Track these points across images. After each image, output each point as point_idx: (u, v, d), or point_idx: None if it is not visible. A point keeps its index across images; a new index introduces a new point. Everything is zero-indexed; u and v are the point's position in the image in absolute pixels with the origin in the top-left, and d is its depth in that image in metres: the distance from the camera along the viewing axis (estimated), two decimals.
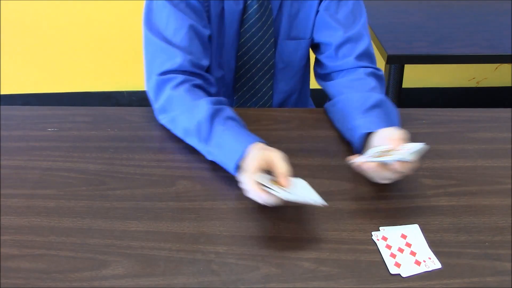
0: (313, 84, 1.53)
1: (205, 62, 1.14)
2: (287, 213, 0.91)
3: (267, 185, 0.85)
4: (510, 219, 0.90)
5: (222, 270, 0.80)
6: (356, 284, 0.79)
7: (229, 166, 0.96)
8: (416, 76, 2.68)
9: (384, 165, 0.91)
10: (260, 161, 0.88)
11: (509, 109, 1.21)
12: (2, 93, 2.67)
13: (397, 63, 1.86)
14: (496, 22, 1.91)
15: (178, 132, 1.07)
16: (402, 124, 1.15)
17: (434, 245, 0.85)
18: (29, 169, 1.01)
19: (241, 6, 1.18)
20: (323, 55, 1.24)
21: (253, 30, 1.20)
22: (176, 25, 1.11)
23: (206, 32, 1.15)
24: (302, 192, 0.85)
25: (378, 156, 0.91)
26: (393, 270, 0.81)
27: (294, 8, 1.22)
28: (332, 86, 1.19)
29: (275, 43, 1.25)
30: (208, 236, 0.86)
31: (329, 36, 1.21)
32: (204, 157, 1.01)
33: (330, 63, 1.22)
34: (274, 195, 0.84)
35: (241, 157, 0.93)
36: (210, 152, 0.99)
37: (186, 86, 1.07)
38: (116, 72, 2.62)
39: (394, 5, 2.05)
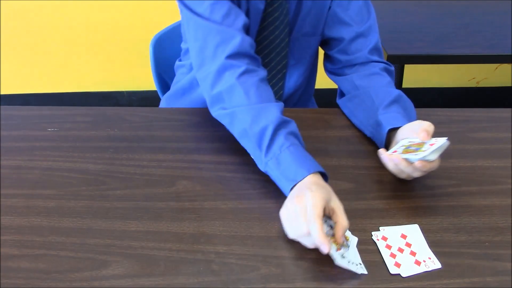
0: (316, 84, 1.53)
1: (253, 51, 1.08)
2: None
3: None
4: (510, 219, 0.91)
5: (222, 270, 0.80)
6: (356, 284, 0.79)
7: (284, 186, 0.90)
8: (416, 76, 2.68)
9: (408, 161, 0.91)
10: (323, 207, 0.82)
11: (509, 109, 1.21)
12: (2, 93, 2.67)
13: (397, 63, 1.86)
14: (496, 22, 1.91)
15: (234, 130, 0.99)
16: None
17: (434, 245, 0.85)
18: (29, 169, 1.01)
19: (263, 6, 1.17)
20: (335, 50, 1.24)
21: (271, 28, 1.19)
22: (223, 11, 1.05)
23: (247, 20, 1.10)
24: (350, 257, 0.82)
25: (405, 151, 0.91)
26: (393, 270, 0.81)
27: (307, 6, 1.22)
28: (347, 81, 1.20)
29: (288, 41, 1.25)
30: (208, 236, 0.86)
31: (341, 31, 1.22)
32: (203, 156, 1.01)
33: (342, 57, 1.23)
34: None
35: (299, 181, 0.87)
36: (267, 163, 0.93)
37: (253, 79, 1.00)
38: (116, 72, 2.62)
39: (394, 5, 2.05)
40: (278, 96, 1.30)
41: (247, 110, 0.96)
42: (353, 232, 0.87)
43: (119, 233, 0.87)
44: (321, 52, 1.33)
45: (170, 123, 1.15)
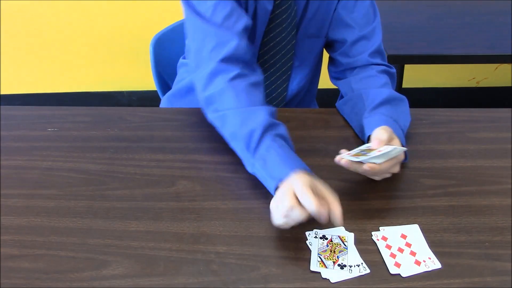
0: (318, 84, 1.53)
1: (249, 56, 1.09)
2: None
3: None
4: (510, 219, 0.90)
5: (222, 270, 0.80)
6: (356, 284, 0.79)
7: (269, 184, 0.91)
8: (416, 76, 2.68)
9: (360, 163, 0.91)
10: (310, 186, 0.84)
11: (509, 109, 1.21)
12: (2, 93, 2.67)
13: (397, 63, 1.86)
14: (496, 22, 1.91)
15: (225, 132, 1.01)
16: None
17: (434, 245, 0.85)
18: (29, 169, 1.01)
19: (271, 6, 1.17)
20: (337, 52, 1.25)
21: (278, 29, 1.19)
22: (225, 12, 1.05)
23: (250, 22, 1.10)
24: (350, 260, 0.82)
25: (356, 154, 0.91)
26: (393, 270, 0.81)
27: (313, 8, 1.22)
28: (344, 84, 1.21)
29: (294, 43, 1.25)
30: (208, 236, 0.86)
31: (344, 33, 1.22)
32: (203, 156, 1.01)
33: (344, 60, 1.23)
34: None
35: (284, 179, 0.88)
36: (254, 164, 0.94)
37: (244, 83, 1.01)
38: (116, 72, 2.62)
39: (394, 5, 2.05)
40: (282, 98, 1.30)
41: (236, 113, 0.98)
42: (353, 232, 0.87)
43: (119, 233, 0.87)
44: (325, 55, 1.33)
45: (170, 123, 1.15)
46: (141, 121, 1.15)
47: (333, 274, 0.80)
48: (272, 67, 1.24)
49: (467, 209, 0.92)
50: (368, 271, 0.80)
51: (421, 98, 2.76)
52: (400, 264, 0.82)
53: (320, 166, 1.02)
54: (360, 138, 1.10)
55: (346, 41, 1.21)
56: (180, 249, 0.84)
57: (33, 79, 2.66)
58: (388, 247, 0.85)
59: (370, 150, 0.91)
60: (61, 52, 2.57)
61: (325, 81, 1.35)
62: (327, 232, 0.87)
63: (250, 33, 1.18)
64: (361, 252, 0.84)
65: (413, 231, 0.88)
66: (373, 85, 1.14)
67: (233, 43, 1.03)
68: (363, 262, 0.82)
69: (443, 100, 2.77)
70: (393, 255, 0.83)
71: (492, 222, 0.90)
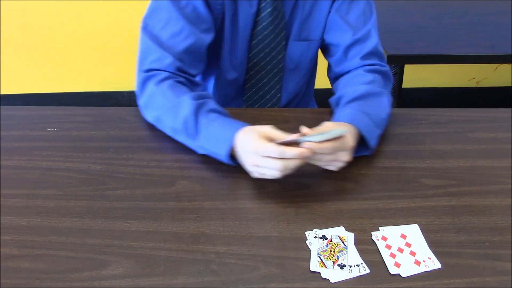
0: (316, 84, 1.53)
1: (194, 71, 1.15)
2: (287, 213, 0.91)
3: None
4: (510, 219, 0.90)
5: (222, 270, 0.80)
6: (356, 284, 0.79)
7: (221, 155, 0.97)
8: (416, 76, 2.69)
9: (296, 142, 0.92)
10: (261, 136, 0.91)
11: (509, 109, 1.21)
12: (2, 93, 2.67)
13: (397, 63, 1.87)
14: (496, 22, 1.91)
15: (166, 131, 1.08)
16: (402, 124, 1.15)
17: (434, 245, 0.85)
18: (29, 169, 1.01)
19: (255, 8, 1.17)
20: (333, 58, 1.25)
21: (266, 32, 1.20)
22: (173, 30, 1.10)
23: (207, 39, 1.15)
24: (350, 260, 0.83)
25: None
26: (392, 270, 0.81)
27: (306, 10, 1.21)
28: (336, 86, 1.21)
29: (286, 45, 1.25)
30: (208, 236, 0.86)
31: (338, 37, 1.21)
32: (203, 156, 1.01)
33: (338, 67, 1.24)
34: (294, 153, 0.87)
35: (231, 143, 0.94)
36: (200, 146, 1.01)
37: (169, 82, 1.07)
38: (116, 72, 2.62)
39: (394, 5, 2.05)
40: (277, 99, 1.31)
41: (167, 111, 1.05)
42: (353, 231, 0.87)
43: (119, 233, 0.87)
44: (323, 57, 1.33)
45: None
46: (141, 121, 1.15)
47: (333, 274, 0.80)
48: (263, 69, 1.25)
49: (467, 209, 0.93)
50: (368, 271, 0.80)
51: (421, 98, 2.77)
52: (400, 264, 0.82)
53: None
54: None
55: (340, 45, 1.21)
56: (180, 249, 0.84)
57: (33, 79, 2.66)
58: (388, 247, 0.85)
59: (311, 136, 0.91)
60: (61, 52, 2.57)
61: (324, 81, 1.35)
62: (327, 232, 0.87)
63: (230, 38, 1.20)
64: (361, 252, 0.84)
65: (413, 231, 0.88)
66: (357, 82, 1.14)
67: (167, 61, 1.09)
68: (363, 262, 0.82)
69: (443, 100, 2.77)
70: (393, 255, 0.83)
71: (492, 222, 0.90)
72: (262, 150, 0.90)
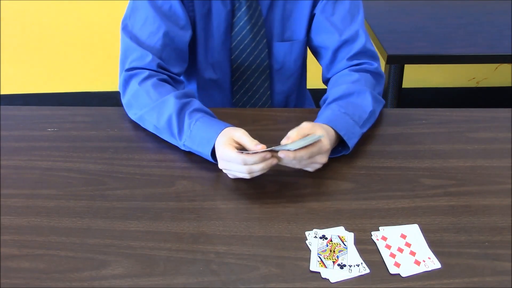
0: (313, 84, 1.54)
1: (175, 69, 1.16)
2: (287, 213, 0.91)
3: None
4: (510, 219, 0.90)
5: (222, 270, 0.80)
6: (355, 284, 0.79)
7: (204, 154, 0.99)
8: (416, 76, 2.69)
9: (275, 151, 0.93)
10: (231, 144, 0.92)
11: (509, 109, 1.21)
12: (2, 93, 2.67)
13: (397, 63, 1.86)
14: (496, 22, 1.91)
15: (149, 129, 1.09)
16: (402, 124, 1.15)
17: (434, 245, 0.85)
18: (29, 169, 1.01)
19: (229, 7, 1.18)
20: (323, 61, 1.25)
21: (244, 32, 1.20)
22: (151, 29, 1.12)
23: (185, 35, 1.16)
24: (349, 260, 0.83)
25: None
26: (392, 270, 0.81)
27: (287, 10, 1.21)
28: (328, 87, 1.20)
29: (269, 45, 1.25)
30: (208, 236, 0.86)
31: (326, 40, 1.21)
32: (203, 156, 1.01)
33: (329, 72, 1.24)
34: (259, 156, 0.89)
35: (214, 144, 0.96)
36: (184, 145, 1.02)
37: (153, 80, 1.08)
38: (116, 72, 2.61)
39: (394, 5, 2.05)
40: (266, 97, 1.31)
41: (150, 110, 1.05)
42: (353, 231, 0.87)
43: (119, 233, 0.87)
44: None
45: None
46: None
47: (332, 274, 0.80)
48: (248, 69, 1.25)
49: (467, 209, 0.93)
50: (367, 271, 0.80)
51: (421, 98, 2.77)
52: (400, 264, 0.82)
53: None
54: (364, 135, 1.09)
55: (328, 48, 1.21)
56: (179, 249, 0.84)
57: (33, 79, 2.66)
58: (388, 247, 0.85)
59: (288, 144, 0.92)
60: (61, 52, 2.57)
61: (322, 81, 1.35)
62: (327, 232, 0.87)
63: (204, 36, 1.21)
64: (361, 252, 0.84)
65: (413, 231, 0.88)
66: (341, 82, 1.14)
67: (148, 59, 1.11)
68: (362, 262, 0.82)
69: (443, 100, 2.77)
70: (392, 255, 0.83)
71: (492, 222, 0.90)
72: (226, 157, 0.93)
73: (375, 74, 1.17)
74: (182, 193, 0.95)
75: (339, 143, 1.03)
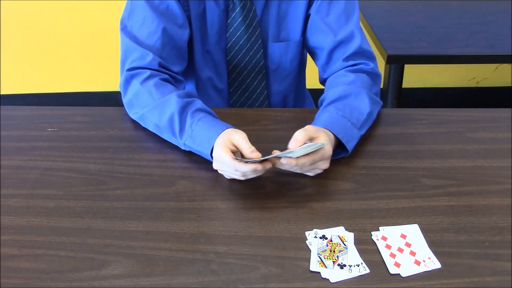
0: (313, 84, 1.53)
1: (176, 68, 1.16)
2: (286, 213, 0.91)
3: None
4: (510, 219, 0.90)
5: (222, 270, 0.80)
6: (356, 284, 0.79)
7: (204, 153, 0.99)
8: (416, 76, 2.69)
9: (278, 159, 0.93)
10: (228, 147, 0.93)
11: (509, 109, 1.21)
12: (2, 93, 2.67)
13: (397, 63, 1.86)
14: (496, 22, 1.91)
15: (150, 128, 1.09)
16: (402, 124, 1.15)
17: (434, 245, 0.85)
18: (29, 169, 1.01)
19: (222, 6, 1.18)
20: (319, 62, 1.25)
21: (239, 33, 1.20)
22: (150, 28, 1.12)
23: (184, 34, 1.16)
24: (349, 260, 0.83)
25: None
26: (392, 270, 0.81)
27: (282, 10, 1.21)
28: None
29: (264, 45, 1.25)
30: (208, 236, 0.86)
31: (321, 40, 1.21)
32: (203, 157, 1.01)
33: (325, 73, 1.24)
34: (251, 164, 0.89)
35: (214, 144, 0.96)
36: (184, 144, 1.02)
37: (154, 80, 1.09)
38: (116, 72, 2.61)
39: (394, 5, 2.06)
40: (263, 99, 1.31)
41: (152, 108, 1.05)
42: (353, 231, 0.87)
43: (119, 233, 0.87)
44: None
45: None
46: None
47: (332, 274, 0.80)
48: (244, 70, 1.25)
49: (467, 209, 0.93)
50: (367, 271, 0.80)
51: (421, 98, 2.77)
52: (400, 264, 0.82)
53: None
54: (364, 135, 1.09)
55: (323, 49, 1.21)
56: (180, 249, 0.84)
57: (33, 79, 2.66)
58: (388, 247, 0.85)
59: (291, 151, 0.92)
60: (61, 52, 2.57)
61: None
62: (327, 232, 0.87)
63: (200, 36, 1.21)
64: (361, 252, 0.84)
65: (413, 231, 0.88)
66: (338, 83, 1.14)
67: (149, 58, 1.11)
68: (363, 262, 0.82)
69: (443, 100, 2.77)
70: (392, 255, 0.83)
71: (492, 222, 0.90)
72: (220, 159, 0.93)
73: (372, 74, 1.17)
74: (182, 193, 0.95)
75: (338, 145, 1.03)
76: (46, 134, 1.11)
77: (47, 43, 2.54)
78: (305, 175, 0.98)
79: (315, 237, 0.86)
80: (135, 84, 1.09)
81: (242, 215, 0.91)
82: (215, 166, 0.96)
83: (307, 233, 0.87)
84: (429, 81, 2.76)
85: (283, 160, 0.91)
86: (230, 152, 0.92)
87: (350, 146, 1.02)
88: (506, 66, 2.69)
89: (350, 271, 0.80)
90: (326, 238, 0.85)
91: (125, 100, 1.13)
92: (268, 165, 0.92)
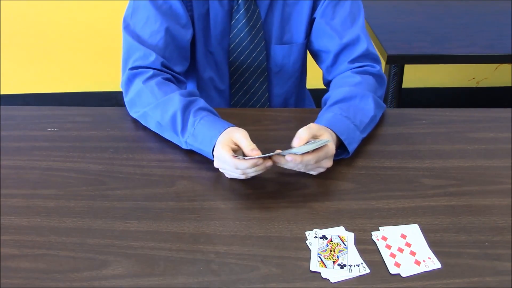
0: (313, 84, 1.54)
1: (178, 68, 1.16)
2: (286, 213, 0.91)
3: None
4: (510, 219, 0.90)
5: (222, 270, 0.80)
6: (356, 284, 0.79)
7: (206, 152, 0.99)
8: (416, 76, 2.69)
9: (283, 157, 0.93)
10: (229, 146, 0.92)
11: (509, 109, 1.21)
12: (2, 93, 2.67)
13: (397, 63, 1.86)
14: (496, 22, 1.91)
15: (151, 126, 1.09)
16: (402, 124, 1.15)
17: (434, 245, 0.85)
18: (29, 169, 1.01)
19: (226, 7, 1.18)
20: (324, 64, 1.25)
21: (242, 34, 1.20)
22: (153, 28, 1.12)
23: (187, 34, 1.16)
24: (350, 260, 0.83)
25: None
26: (392, 270, 0.81)
27: (286, 13, 1.21)
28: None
29: (267, 47, 1.25)
30: (208, 236, 0.86)
31: (327, 44, 1.21)
32: (203, 156, 1.01)
33: (330, 74, 1.24)
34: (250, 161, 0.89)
35: (216, 143, 0.96)
36: (186, 142, 1.02)
37: (157, 79, 1.09)
38: (116, 72, 2.60)
39: (394, 5, 2.05)
40: (265, 99, 1.31)
41: (155, 106, 1.05)
42: (353, 231, 0.87)
43: (119, 233, 0.87)
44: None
45: None
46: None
47: (333, 274, 0.80)
48: (246, 71, 1.25)
49: (467, 209, 0.93)
50: (368, 271, 0.80)
51: (421, 98, 2.77)
52: (400, 264, 0.82)
53: None
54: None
55: (330, 52, 1.20)
56: (180, 249, 0.84)
57: (33, 79, 2.66)
58: (388, 247, 0.85)
59: (295, 149, 0.92)
60: (61, 52, 2.57)
61: (322, 81, 1.35)
62: (327, 232, 0.87)
63: (203, 36, 1.21)
64: (361, 252, 0.84)
65: (413, 231, 0.88)
66: (344, 84, 1.14)
67: (152, 58, 1.11)
68: (363, 262, 0.82)
69: (443, 100, 2.77)
70: (393, 255, 0.83)
71: (492, 222, 0.90)
72: (221, 158, 0.93)
73: (377, 76, 1.17)
74: (182, 193, 0.95)
75: (339, 146, 1.03)
76: (46, 134, 1.11)
77: (47, 43, 2.54)
78: (305, 175, 0.98)
79: (315, 237, 0.86)
80: (138, 83, 1.09)
81: (242, 215, 0.91)
82: (216, 164, 0.96)
83: (307, 233, 0.87)
84: (429, 81, 2.76)
85: (288, 157, 0.91)
86: (231, 150, 0.92)
87: (351, 148, 1.02)
88: (506, 66, 2.69)
89: (350, 271, 0.80)
90: (326, 238, 0.85)
91: (126, 99, 1.13)
92: (269, 163, 0.92)
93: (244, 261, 0.82)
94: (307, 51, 1.31)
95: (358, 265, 0.81)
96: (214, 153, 0.96)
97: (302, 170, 0.96)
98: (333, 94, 1.11)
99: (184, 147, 1.03)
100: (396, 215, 0.91)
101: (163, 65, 1.12)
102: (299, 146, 0.92)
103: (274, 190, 0.96)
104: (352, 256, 0.83)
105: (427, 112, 1.20)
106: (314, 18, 1.21)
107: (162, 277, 0.79)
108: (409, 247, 0.85)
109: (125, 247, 0.84)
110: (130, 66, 1.12)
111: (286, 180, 0.98)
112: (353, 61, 1.18)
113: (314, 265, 0.81)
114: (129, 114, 1.15)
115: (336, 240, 0.85)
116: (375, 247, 0.85)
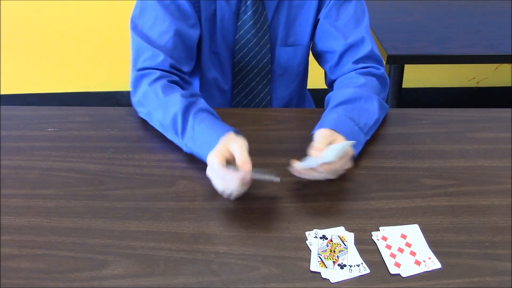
0: (314, 84, 1.54)
1: (186, 68, 1.16)
2: (287, 213, 0.91)
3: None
4: (510, 219, 0.90)
5: (222, 270, 0.80)
6: (356, 284, 0.79)
7: (204, 157, 0.97)
8: (416, 76, 2.69)
9: (313, 168, 0.92)
10: (223, 155, 0.91)
11: (509, 109, 1.21)
12: (2, 93, 2.67)
13: (397, 63, 1.86)
14: (496, 22, 1.91)
15: (155, 126, 1.09)
16: (402, 124, 1.15)
17: (434, 245, 0.85)
18: (29, 169, 1.01)
19: (233, 7, 1.18)
20: (327, 65, 1.24)
21: (249, 35, 1.20)
22: (162, 28, 1.12)
23: (195, 34, 1.16)
24: (350, 260, 0.83)
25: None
26: (393, 270, 0.81)
27: (291, 15, 1.21)
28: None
29: (272, 49, 1.25)
30: (208, 236, 0.86)
31: (331, 44, 1.21)
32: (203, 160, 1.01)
33: (333, 74, 1.23)
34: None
35: (214, 147, 0.95)
36: (186, 144, 1.01)
37: (163, 81, 1.09)
38: (116, 72, 2.62)
39: (394, 5, 2.05)
40: (266, 101, 1.31)
41: (158, 107, 1.06)
42: (353, 232, 0.87)
43: (119, 233, 0.87)
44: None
45: None
46: (141, 121, 1.15)
47: (333, 274, 0.80)
48: (250, 73, 1.25)
49: (467, 209, 0.93)
50: (368, 271, 0.80)
51: (421, 98, 2.77)
52: (400, 264, 0.82)
53: None
54: None
55: (335, 52, 1.20)
56: (180, 249, 0.84)
57: (33, 79, 2.66)
58: (388, 247, 0.85)
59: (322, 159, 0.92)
60: (61, 52, 2.57)
61: (322, 81, 1.35)
62: (327, 232, 0.87)
63: (209, 37, 1.21)
64: (361, 252, 0.84)
65: (413, 231, 0.88)
66: (348, 85, 1.13)
67: (160, 59, 1.11)
68: (363, 262, 0.82)
69: (443, 100, 2.77)
70: (393, 255, 0.83)
71: (492, 222, 0.90)
72: (211, 165, 0.92)
73: (381, 78, 1.17)
74: (182, 193, 0.95)
75: None
76: (46, 134, 1.11)
77: (47, 43, 2.54)
78: None
79: (315, 237, 0.86)
80: (144, 84, 1.09)
81: (242, 215, 0.91)
82: (207, 172, 0.94)
83: (307, 233, 0.87)
84: (429, 81, 2.76)
85: (320, 168, 0.91)
86: (224, 159, 0.90)
87: (356, 150, 1.01)
88: (506, 66, 2.69)
89: (350, 271, 0.80)
90: (326, 238, 0.85)
91: (134, 100, 1.13)
92: (248, 179, 0.89)
93: (244, 261, 0.82)
94: (309, 53, 1.31)
95: (358, 265, 0.81)
96: (207, 159, 0.94)
97: (330, 177, 0.96)
98: (338, 94, 1.10)
99: (184, 149, 1.03)
100: (396, 215, 0.91)
101: (171, 65, 1.12)
102: (318, 156, 0.91)
103: (274, 190, 0.96)
104: (352, 256, 0.83)
105: (427, 112, 1.20)
106: (318, 20, 1.21)
107: (162, 277, 0.79)
108: (409, 247, 0.85)
109: (125, 247, 0.84)
110: (138, 67, 1.11)
111: (286, 180, 0.98)
112: (357, 61, 1.18)
113: (314, 265, 0.81)
114: (129, 114, 1.16)
115: (336, 240, 0.85)
116: (375, 247, 0.85)
